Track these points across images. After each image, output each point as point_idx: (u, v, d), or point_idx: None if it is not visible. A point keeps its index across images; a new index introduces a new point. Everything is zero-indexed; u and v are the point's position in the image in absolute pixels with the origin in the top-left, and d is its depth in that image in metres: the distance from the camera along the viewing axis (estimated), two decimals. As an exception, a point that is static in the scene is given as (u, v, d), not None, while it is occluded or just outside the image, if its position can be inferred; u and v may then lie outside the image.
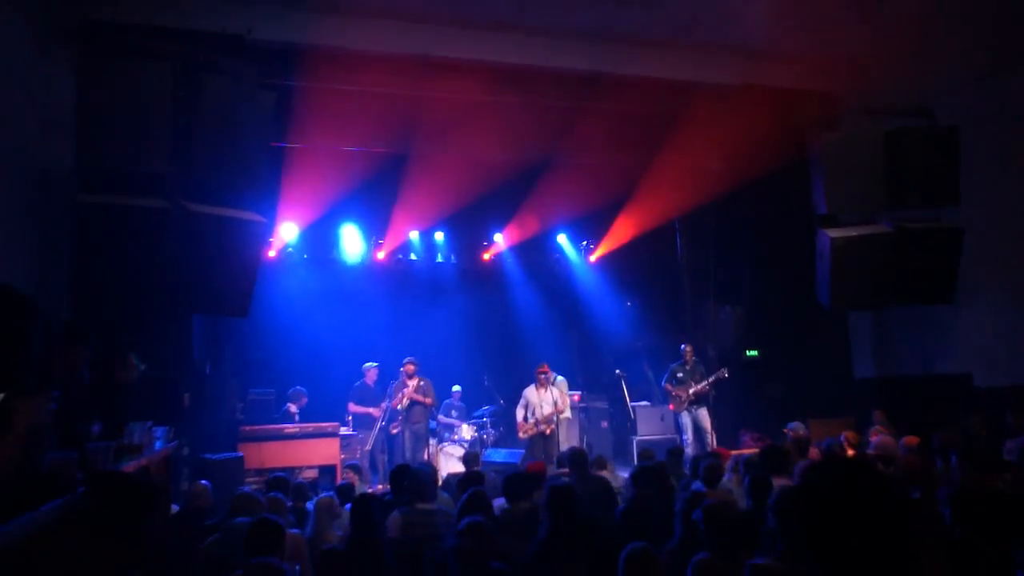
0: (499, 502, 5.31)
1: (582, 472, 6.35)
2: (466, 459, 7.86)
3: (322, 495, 5.37)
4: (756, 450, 7.15)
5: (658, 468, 5.84)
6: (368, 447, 10.01)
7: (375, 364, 10.34)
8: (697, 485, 5.50)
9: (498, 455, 9.13)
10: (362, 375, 10.32)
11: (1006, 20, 7.54)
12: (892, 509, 1.54)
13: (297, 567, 4.19)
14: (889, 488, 1.57)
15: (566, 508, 4.21)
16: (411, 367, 9.87)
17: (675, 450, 7.67)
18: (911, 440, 7.26)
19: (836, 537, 1.53)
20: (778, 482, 4.97)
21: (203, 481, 5.88)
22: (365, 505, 4.51)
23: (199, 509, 5.32)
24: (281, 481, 6.00)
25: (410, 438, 9.75)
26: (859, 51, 7.75)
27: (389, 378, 10.15)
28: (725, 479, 6.37)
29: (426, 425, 9.88)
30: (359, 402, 10.17)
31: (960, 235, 7.71)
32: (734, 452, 7.89)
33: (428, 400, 9.83)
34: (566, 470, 6.64)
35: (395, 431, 9.90)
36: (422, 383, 9.90)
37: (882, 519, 1.53)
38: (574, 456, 6.54)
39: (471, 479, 5.92)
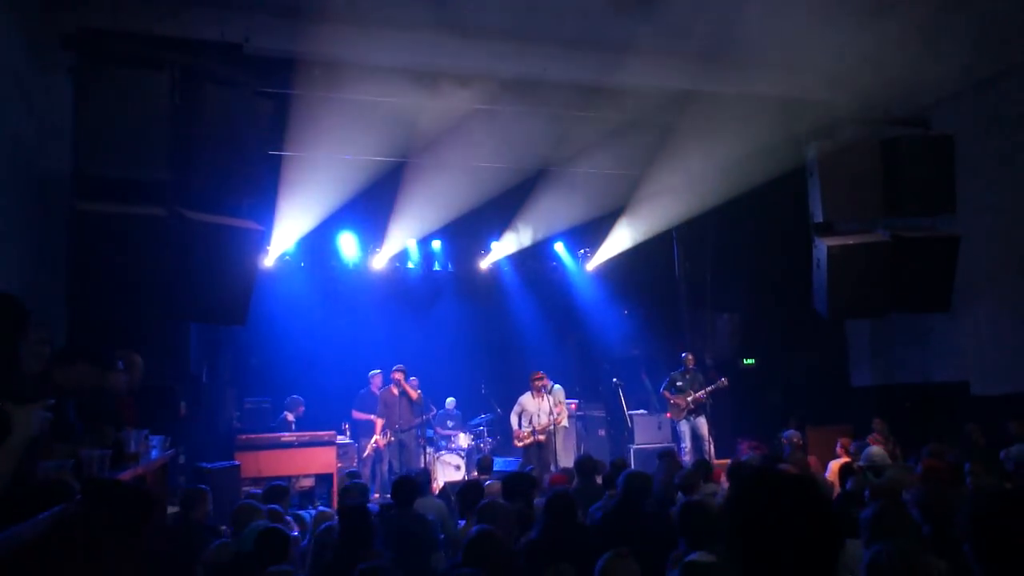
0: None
1: (588, 480, 6.40)
2: (480, 465, 7.83)
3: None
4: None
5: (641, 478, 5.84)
6: (366, 455, 9.97)
7: (380, 371, 10.33)
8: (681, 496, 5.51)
9: (495, 464, 9.10)
10: (367, 383, 10.31)
11: (1001, 30, 7.58)
12: (813, 520, 1.56)
13: None
14: (810, 499, 1.58)
15: (563, 514, 4.25)
16: (399, 375, 9.86)
17: (666, 453, 7.61)
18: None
19: (755, 542, 1.55)
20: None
21: (202, 486, 5.87)
22: (356, 517, 4.49)
23: (198, 517, 5.30)
24: (279, 490, 5.99)
25: (398, 447, 9.72)
26: (855, 60, 7.78)
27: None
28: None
29: (414, 433, 9.85)
30: (363, 410, 10.16)
31: (956, 243, 7.73)
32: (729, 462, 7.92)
33: (415, 394, 9.83)
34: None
35: (383, 443, 9.84)
36: (419, 393, 9.92)
37: (801, 530, 1.54)
38: (582, 464, 6.59)
39: (470, 489, 5.93)
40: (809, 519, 1.55)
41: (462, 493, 5.76)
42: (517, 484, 5.40)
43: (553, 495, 4.46)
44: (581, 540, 4.23)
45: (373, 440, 9.89)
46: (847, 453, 7.60)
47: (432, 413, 10.33)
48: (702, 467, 6.52)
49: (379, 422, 9.91)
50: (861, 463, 6.67)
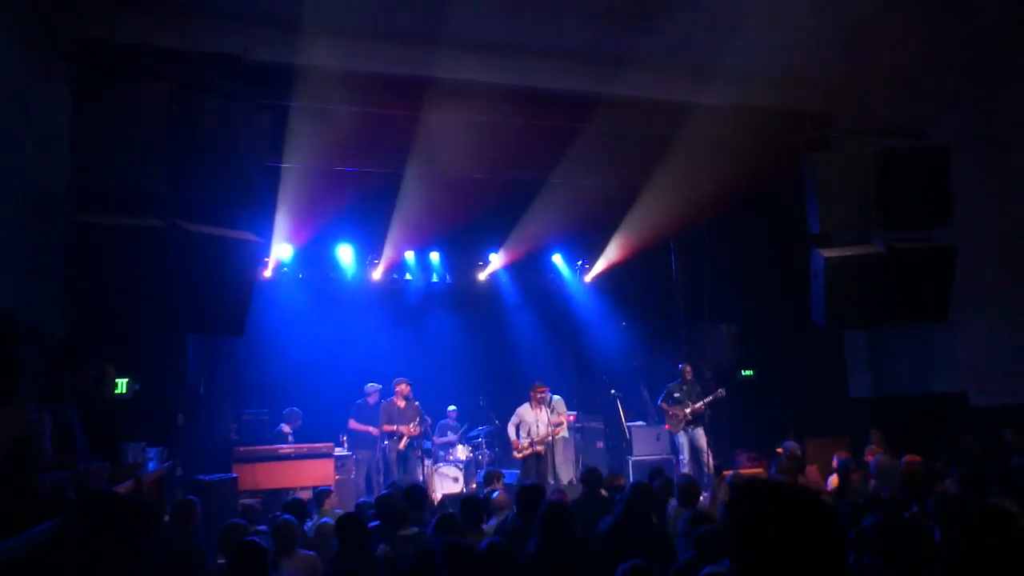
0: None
1: (592, 491, 6.45)
2: (487, 476, 7.77)
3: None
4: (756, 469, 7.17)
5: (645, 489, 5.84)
6: (395, 453, 9.86)
7: (379, 386, 10.25)
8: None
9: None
10: (364, 394, 10.26)
11: (995, 42, 7.63)
12: (815, 533, 1.54)
13: None
14: (812, 511, 1.56)
15: (558, 525, 4.19)
16: (405, 387, 9.81)
17: (657, 471, 7.55)
18: (912, 458, 7.27)
19: (759, 557, 1.53)
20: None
21: (191, 497, 5.85)
22: (353, 526, 4.45)
23: (189, 527, 5.28)
24: (297, 504, 5.97)
25: (399, 459, 9.68)
26: (850, 72, 7.83)
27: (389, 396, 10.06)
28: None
29: (413, 445, 9.81)
30: (360, 420, 10.12)
31: (953, 254, 7.74)
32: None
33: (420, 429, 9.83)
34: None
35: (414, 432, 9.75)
36: (417, 404, 9.87)
37: (803, 543, 1.52)
38: (587, 475, 6.60)
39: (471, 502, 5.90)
40: (812, 532, 1.53)
41: (464, 506, 5.73)
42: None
43: (549, 506, 4.32)
44: (580, 554, 4.18)
45: (403, 438, 9.67)
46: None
47: (427, 423, 10.23)
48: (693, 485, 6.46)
49: (377, 432, 9.86)
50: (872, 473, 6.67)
